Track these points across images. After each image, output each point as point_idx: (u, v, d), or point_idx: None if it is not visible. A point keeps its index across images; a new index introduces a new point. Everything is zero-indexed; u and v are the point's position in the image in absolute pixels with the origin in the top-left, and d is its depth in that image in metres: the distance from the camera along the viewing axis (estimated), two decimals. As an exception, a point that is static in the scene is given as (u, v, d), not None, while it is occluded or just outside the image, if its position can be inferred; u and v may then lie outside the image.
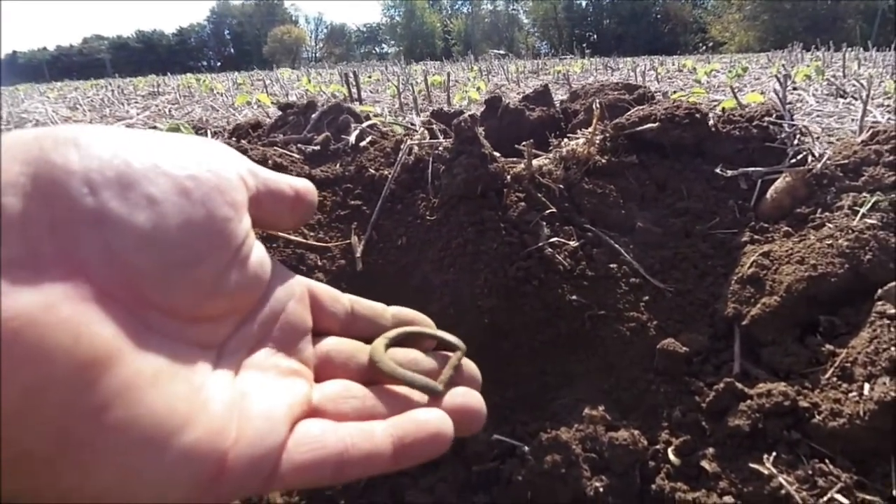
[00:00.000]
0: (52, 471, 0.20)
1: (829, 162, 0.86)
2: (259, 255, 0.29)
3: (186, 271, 0.24)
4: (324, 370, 0.31)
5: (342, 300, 0.34)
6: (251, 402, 0.25)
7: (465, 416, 0.30)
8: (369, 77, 7.37)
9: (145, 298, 0.22)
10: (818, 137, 1.00)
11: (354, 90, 2.70)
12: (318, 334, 0.32)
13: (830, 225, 0.74)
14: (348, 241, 0.83)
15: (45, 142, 0.22)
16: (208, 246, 0.25)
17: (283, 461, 0.24)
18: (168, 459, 0.21)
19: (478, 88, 4.61)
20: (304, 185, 0.32)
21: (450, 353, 0.35)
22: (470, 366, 0.34)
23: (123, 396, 0.20)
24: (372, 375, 0.31)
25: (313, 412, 0.28)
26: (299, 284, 0.32)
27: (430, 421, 0.28)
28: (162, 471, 0.21)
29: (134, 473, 0.20)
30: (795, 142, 0.93)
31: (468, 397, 0.31)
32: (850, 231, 0.71)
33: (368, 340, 0.34)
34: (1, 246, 0.19)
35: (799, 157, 0.90)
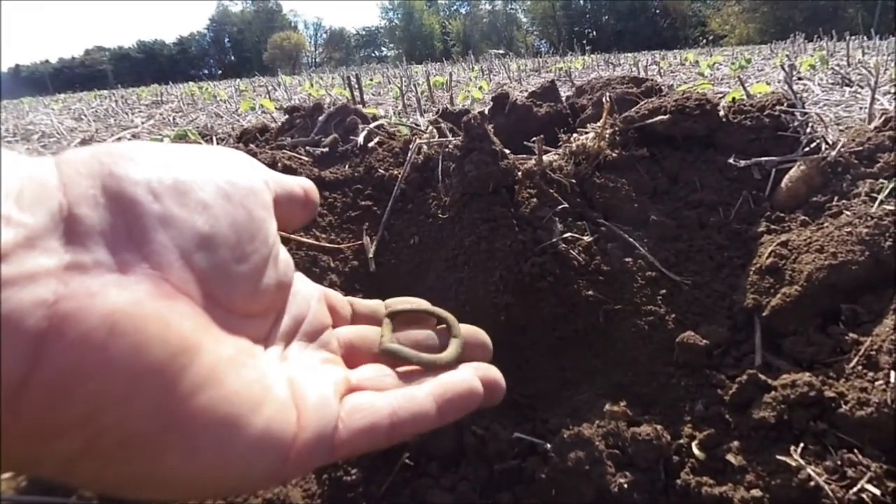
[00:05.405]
0: (157, 452, 0.21)
1: (843, 149, 0.85)
2: (284, 255, 0.31)
3: (238, 268, 0.26)
4: (351, 358, 0.34)
5: (346, 303, 0.38)
6: (302, 384, 0.27)
7: (486, 386, 0.32)
8: (370, 80, 7.39)
9: (210, 295, 0.25)
10: (828, 126, 0.99)
11: (357, 93, 2.70)
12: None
13: (848, 212, 0.73)
14: (360, 242, 0.83)
15: (102, 157, 0.24)
16: (252, 245, 0.27)
17: (341, 430, 0.27)
18: (252, 434, 0.23)
19: (480, 88, 4.61)
20: (310, 185, 0.35)
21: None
22: (478, 335, 0.37)
23: (211, 379, 0.23)
24: (386, 363, 0.34)
25: (356, 389, 0.30)
26: (316, 287, 0.36)
27: (464, 379, 0.31)
28: (247, 446, 0.23)
29: (225, 449, 0.23)
30: (808, 130, 0.92)
31: (484, 370, 0.34)
32: (868, 218, 0.70)
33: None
34: (89, 252, 0.21)
35: (812, 145, 0.89)
